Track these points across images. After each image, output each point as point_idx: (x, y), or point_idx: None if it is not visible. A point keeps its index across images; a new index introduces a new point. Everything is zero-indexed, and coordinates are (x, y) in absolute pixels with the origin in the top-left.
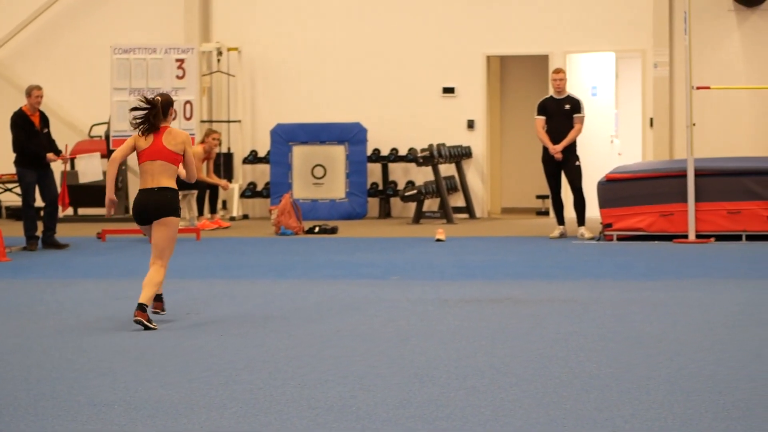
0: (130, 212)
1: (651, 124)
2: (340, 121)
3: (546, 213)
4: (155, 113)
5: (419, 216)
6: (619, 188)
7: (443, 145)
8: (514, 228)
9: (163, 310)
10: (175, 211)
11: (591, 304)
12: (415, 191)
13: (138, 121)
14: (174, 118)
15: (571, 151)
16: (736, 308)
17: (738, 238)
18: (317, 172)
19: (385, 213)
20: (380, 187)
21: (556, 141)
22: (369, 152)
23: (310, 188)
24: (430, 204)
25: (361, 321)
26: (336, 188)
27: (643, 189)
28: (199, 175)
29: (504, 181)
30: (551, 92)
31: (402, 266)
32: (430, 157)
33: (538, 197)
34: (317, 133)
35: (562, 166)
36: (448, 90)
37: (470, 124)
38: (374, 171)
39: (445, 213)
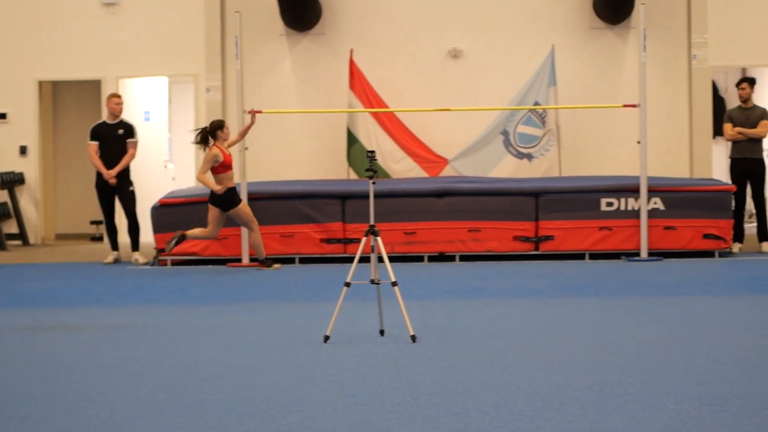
0: None
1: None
2: None
3: (100, 238)
4: (201, 131)
5: None
6: (173, 213)
7: None
8: (68, 254)
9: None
10: (226, 205)
11: (146, 330)
12: None
13: None
14: (224, 140)
15: (124, 176)
16: (291, 331)
17: (292, 260)
18: None
19: None
20: None
21: (110, 166)
22: None
23: None
24: None
25: None
26: None
27: (196, 213)
28: None
29: (58, 207)
30: (105, 117)
31: None
32: None
33: (93, 223)
34: None
35: (116, 192)
36: (0, 116)
37: (23, 150)
38: None
39: None
